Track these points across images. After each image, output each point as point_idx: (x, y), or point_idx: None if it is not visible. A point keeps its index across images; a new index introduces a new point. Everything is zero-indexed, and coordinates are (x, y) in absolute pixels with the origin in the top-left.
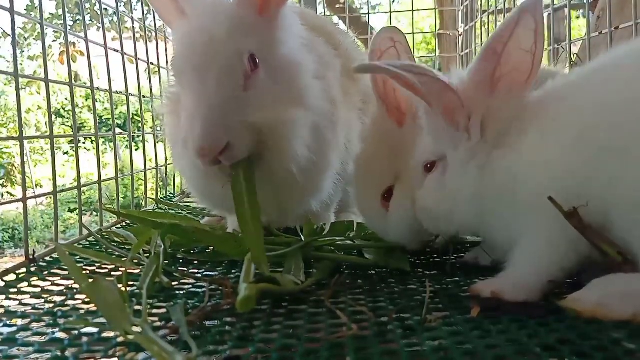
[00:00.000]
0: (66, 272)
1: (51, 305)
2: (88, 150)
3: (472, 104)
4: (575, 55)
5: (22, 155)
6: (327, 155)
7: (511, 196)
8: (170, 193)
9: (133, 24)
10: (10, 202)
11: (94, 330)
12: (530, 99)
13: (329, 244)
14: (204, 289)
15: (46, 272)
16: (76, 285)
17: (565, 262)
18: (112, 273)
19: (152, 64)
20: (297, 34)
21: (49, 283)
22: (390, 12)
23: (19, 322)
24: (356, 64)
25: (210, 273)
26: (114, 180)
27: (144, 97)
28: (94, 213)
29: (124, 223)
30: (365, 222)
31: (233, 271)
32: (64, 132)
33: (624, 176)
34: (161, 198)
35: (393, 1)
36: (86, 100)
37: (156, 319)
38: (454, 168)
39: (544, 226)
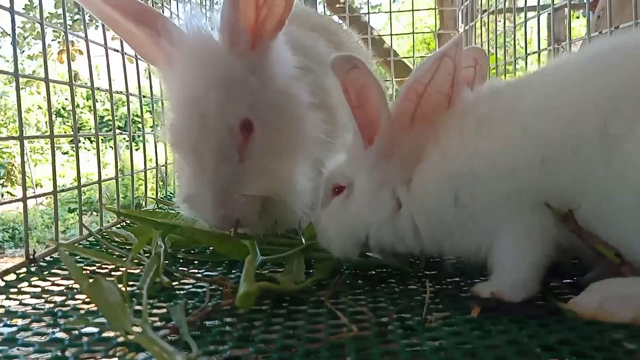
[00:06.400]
0: (66, 272)
1: (51, 305)
2: (88, 150)
3: (395, 138)
4: None
5: (22, 155)
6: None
7: (461, 200)
8: (170, 193)
9: None
10: (10, 202)
11: (94, 330)
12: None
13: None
14: (204, 289)
15: (46, 272)
16: (76, 285)
17: (547, 248)
18: (113, 273)
19: None
20: (289, 66)
21: (49, 283)
22: (390, 12)
23: (19, 322)
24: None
25: (211, 273)
26: (114, 180)
27: (144, 97)
28: (94, 213)
29: (124, 223)
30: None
31: (233, 271)
32: (64, 132)
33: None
34: (161, 198)
35: (393, 1)
36: (87, 100)
37: (156, 319)
38: (362, 196)
39: (514, 222)
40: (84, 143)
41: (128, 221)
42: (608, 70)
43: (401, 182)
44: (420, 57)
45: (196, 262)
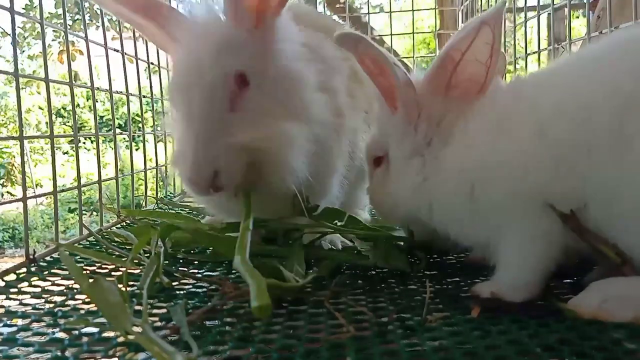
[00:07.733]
0: (66, 272)
1: (51, 305)
2: (88, 150)
3: (425, 104)
4: None
5: (22, 155)
6: (331, 163)
7: (476, 193)
8: (170, 193)
9: None
10: (10, 202)
11: (94, 330)
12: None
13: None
14: (204, 289)
15: (46, 272)
16: (76, 285)
17: (553, 252)
18: (113, 273)
19: (152, 63)
20: (296, 44)
21: (49, 283)
22: (391, 12)
23: (19, 322)
24: (339, 33)
25: (211, 273)
26: (114, 180)
27: (144, 97)
28: (94, 213)
29: (124, 223)
30: None
31: (233, 271)
32: (64, 132)
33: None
34: (161, 197)
35: (394, 0)
36: (87, 100)
37: (157, 319)
38: (396, 163)
39: (522, 223)
40: (84, 143)
41: (128, 221)
42: (621, 70)
43: (431, 152)
44: (421, 57)
45: (196, 262)
